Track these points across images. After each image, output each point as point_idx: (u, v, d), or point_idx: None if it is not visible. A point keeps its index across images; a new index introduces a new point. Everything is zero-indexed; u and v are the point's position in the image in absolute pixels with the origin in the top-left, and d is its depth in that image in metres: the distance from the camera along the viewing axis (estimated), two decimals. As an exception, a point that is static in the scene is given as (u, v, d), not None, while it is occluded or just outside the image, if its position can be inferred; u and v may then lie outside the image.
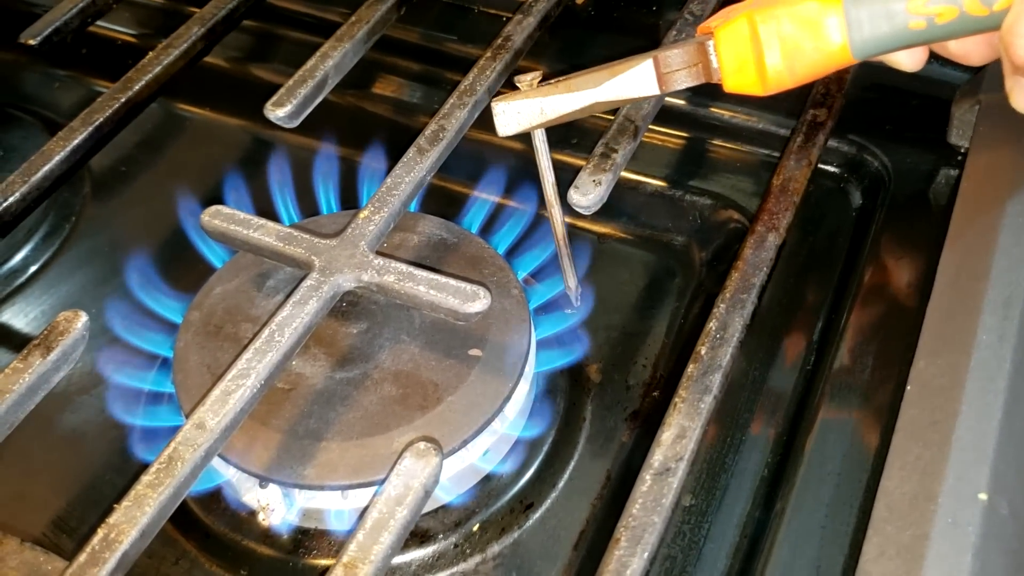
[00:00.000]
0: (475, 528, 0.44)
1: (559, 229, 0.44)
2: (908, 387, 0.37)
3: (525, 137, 0.42)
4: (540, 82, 0.41)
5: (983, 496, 0.33)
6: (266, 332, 0.39)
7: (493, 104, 0.41)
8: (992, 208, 0.42)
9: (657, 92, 0.39)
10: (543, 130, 0.41)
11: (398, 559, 0.43)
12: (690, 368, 0.38)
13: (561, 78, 0.41)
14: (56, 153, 0.48)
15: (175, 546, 0.45)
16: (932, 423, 0.35)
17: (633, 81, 0.39)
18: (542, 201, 0.44)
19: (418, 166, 0.46)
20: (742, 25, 0.37)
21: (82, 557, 0.33)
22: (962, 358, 0.37)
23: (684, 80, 0.39)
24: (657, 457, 0.35)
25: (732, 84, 0.38)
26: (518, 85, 0.41)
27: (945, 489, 0.33)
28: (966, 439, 0.35)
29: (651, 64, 0.39)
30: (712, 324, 0.39)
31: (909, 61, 0.38)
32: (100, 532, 0.34)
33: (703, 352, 0.38)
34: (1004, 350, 0.37)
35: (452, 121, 0.48)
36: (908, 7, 0.35)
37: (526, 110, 0.40)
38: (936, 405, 0.36)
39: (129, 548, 0.34)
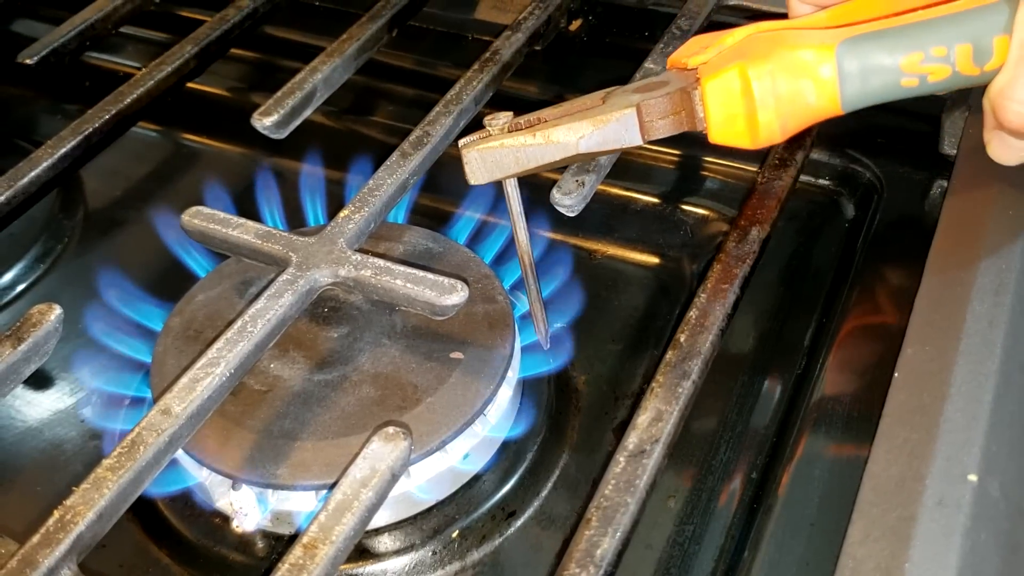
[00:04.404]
0: (455, 535, 0.43)
1: (531, 277, 0.43)
2: (896, 374, 0.36)
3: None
4: (511, 122, 0.38)
5: (973, 477, 0.32)
6: (238, 323, 0.39)
7: (464, 151, 0.38)
8: (981, 201, 0.41)
9: (640, 142, 0.37)
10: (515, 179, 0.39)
11: (374, 567, 0.42)
12: (668, 354, 0.37)
13: (536, 119, 0.38)
14: (43, 160, 0.48)
15: (146, 554, 0.43)
16: (920, 407, 0.34)
17: (616, 131, 0.37)
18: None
19: (401, 169, 0.46)
20: (733, 79, 0.34)
21: (35, 539, 0.32)
22: (951, 343, 0.36)
23: (667, 128, 0.37)
24: (632, 439, 0.34)
25: (718, 136, 0.36)
26: (486, 126, 0.39)
27: (933, 471, 0.32)
28: (955, 422, 0.33)
29: (634, 114, 0.36)
30: (692, 313, 0.38)
31: None
32: (56, 514, 0.33)
33: (682, 339, 0.37)
34: (994, 335, 0.36)
35: (437, 128, 0.48)
36: (902, 65, 0.34)
37: (499, 160, 0.38)
38: (924, 389, 0.34)
39: (85, 530, 0.32)
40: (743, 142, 0.35)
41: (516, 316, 0.47)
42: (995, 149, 0.38)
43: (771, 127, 0.35)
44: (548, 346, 0.46)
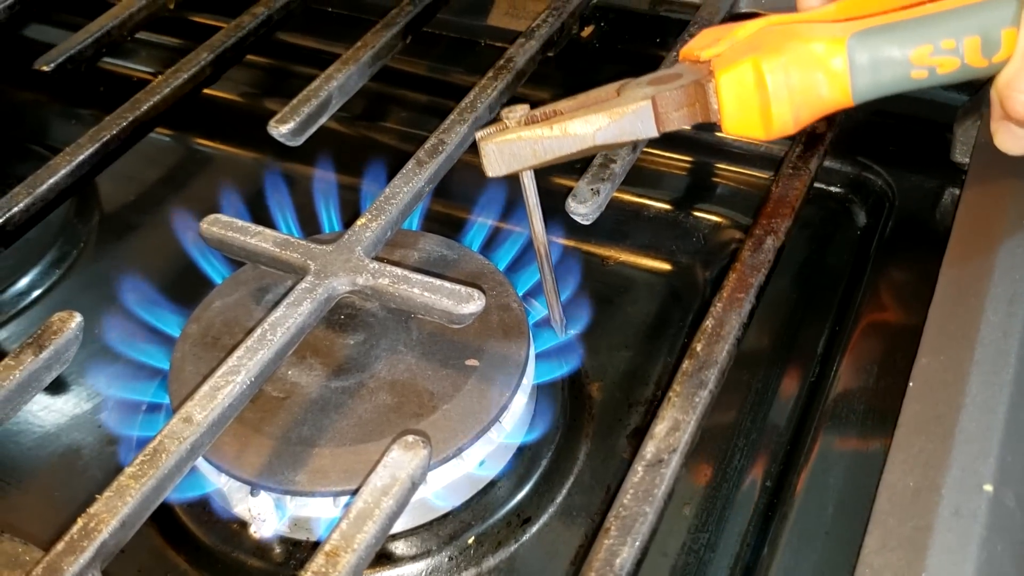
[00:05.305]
0: (470, 541, 0.43)
1: (546, 266, 0.43)
2: (911, 383, 0.36)
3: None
4: (528, 114, 0.39)
5: (988, 487, 0.32)
6: (258, 331, 0.39)
7: (481, 144, 0.39)
8: (995, 210, 0.41)
9: (656, 134, 0.38)
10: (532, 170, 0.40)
11: (390, 573, 0.42)
12: (685, 364, 0.37)
13: (552, 112, 0.39)
14: (62, 167, 0.49)
15: (164, 560, 0.44)
16: (935, 417, 0.34)
17: (632, 123, 0.37)
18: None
19: (416, 177, 0.46)
20: (747, 72, 0.35)
21: (60, 546, 0.32)
22: (966, 353, 0.36)
23: (682, 120, 0.37)
24: (650, 449, 0.34)
25: (732, 128, 0.36)
26: (504, 118, 0.40)
27: (948, 481, 0.32)
28: (970, 432, 0.33)
29: (650, 106, 0.37)
30: (708, 322, 0.38)
31: None
32: (80, 521, 0.33)
33: (698, 348, 0.37)
34: (1009, 345, 0.36)
35: (452, 135, 0.49)
36: (912, 58, 0.35)
37: (517, 152, 0.39)
38: (939, 399, 0.35)
39: (108, 538, 0.33)
40: (757, 133, 0.36)
41: (530, 323, 0.47)
42: (1001, 139, 0.39)
43: (784, 118, 0.35)
44: (564, 334, 0.46)
